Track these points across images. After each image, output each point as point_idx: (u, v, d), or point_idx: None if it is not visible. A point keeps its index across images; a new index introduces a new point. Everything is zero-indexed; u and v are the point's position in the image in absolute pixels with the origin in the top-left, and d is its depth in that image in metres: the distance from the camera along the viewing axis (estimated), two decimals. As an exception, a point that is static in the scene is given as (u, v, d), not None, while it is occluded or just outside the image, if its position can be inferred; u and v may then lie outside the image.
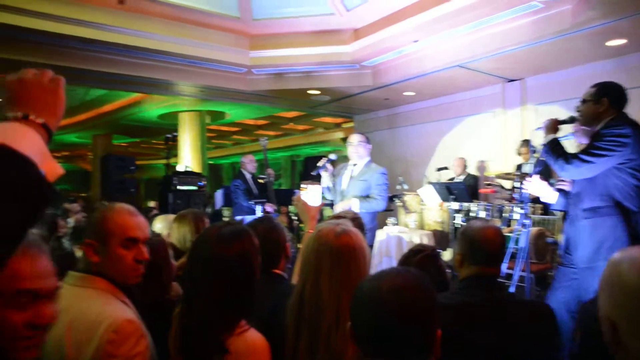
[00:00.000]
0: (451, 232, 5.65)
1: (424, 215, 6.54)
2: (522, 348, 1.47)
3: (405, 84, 7.03)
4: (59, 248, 2.86)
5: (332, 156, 4.05)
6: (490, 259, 1.60)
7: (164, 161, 5.99)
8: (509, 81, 6.90)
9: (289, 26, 6.36)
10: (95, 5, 5.42)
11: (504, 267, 2.55)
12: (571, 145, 3.04)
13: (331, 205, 4.16)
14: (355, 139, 4.02)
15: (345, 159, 4.17)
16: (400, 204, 6.31)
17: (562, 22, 4.66)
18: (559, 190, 2.80)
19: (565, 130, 2.80)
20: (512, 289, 2.93)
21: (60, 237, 2.87)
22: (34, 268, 0.89)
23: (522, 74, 6.61)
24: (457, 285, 1.65)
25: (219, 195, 8.25)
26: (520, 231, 3.00)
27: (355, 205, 3.73)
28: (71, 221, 5.29)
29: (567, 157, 2.53)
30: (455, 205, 5.43)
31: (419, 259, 1.94)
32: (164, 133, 5.66)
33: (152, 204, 8.78)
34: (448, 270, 2.05)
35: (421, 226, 6.42)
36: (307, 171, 8.56)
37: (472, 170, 7.08)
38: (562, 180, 2.82)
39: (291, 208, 8.08)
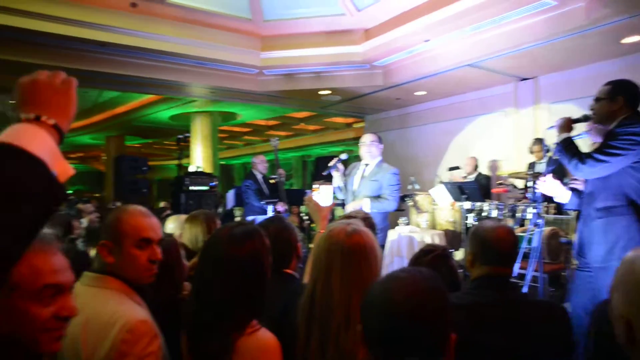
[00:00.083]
0: (463, 231, 5.62)
1: (435, 215, 6.52)
2: (535, 349, 1.46)
3: (416, 83, 7.01)
4: (73, 249, 2.89)
5: (343, 156, 4.05)
6: (502, 258, 1.59)
7: (175, 162, 6.03)
8: (521, 80, 6.84)
9: (299, 27, 6.38)
10: (107, 9, 5.48)
11: (516, 267, 2.53)
12: (585, 143, 3.01)
13: (342, 205, 4.16)
14: (367, 138, 4.02)
15: (356, 158, 4.16)
16: (412, 203, 6.29)
17: (575, 19, 4.61)
18: (572, 189, 2.77)
19: (578, 128, 2.76)
20: (524, 289, 2.90)
21: (74, 238, 2.91)
22: (53, 264, 0.93)
23: (535, 73, 6.54)
24: (468, 286, 1.64)
25: (230, 195, 8.28)
26: (533, 231, 2.97)
27: (366, 205, 3.73)
28: (84, 221, 5.35)
29: (582, 157, 2.50)
30: (467, 204, 5.40)
31: (430, 258, 1.93)
32: (176, 134, 5.70)
33: (163, 204, 8.84)
34: (460, 270, 2.04)
35: (433, 226, 6.40)
36: (318, 171, 8.57)
37: (484, 169, 7.03)
38: (575, 179, 2.78)
39: (302, 208, 8.10)
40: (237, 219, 7.18)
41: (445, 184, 5.82)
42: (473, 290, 1.59)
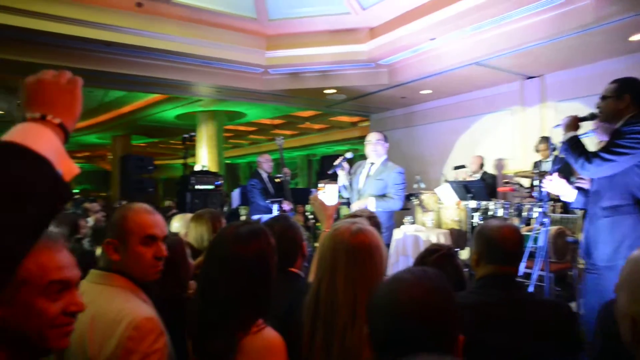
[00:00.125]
0: (469, 230, 5.60)
1: (441, 214, 6.50)
2: (540, 348, 1.45)
3: (421, 82, 6.99)
4: (79, 249, 2.91)
5: (349, 155, 4.05)
6: (507, 257, 1.58)
7: (181, 161, 6.06)
8: (527, 78, 6.81)
9: (304, 26, 6.38)
10: (113, 8, 5.51)
11: (522, 267, 2.52)
12: (591, 142, 2.99)
13: (348, 204, 4.16)
14: (373, 137, 4.02)
15: (361, 157, 4.16)
16: (417, 202, 6.28)
17: (583, 17, 4.58)
18: (578, 188, 2.75)
19: (585, 127, 2.75)
20: (530, 289, 2.89)
21: (81, 238, 2.93)
22: (59, 260, 0.94)
23: (541, 71, 6.51)
24: (473, 285, 1.64)
25: (235, 194, 8.30)
26: (539, 230, 2.95)
27: (371, 204, 3.73)
28: (90, 220, 5.38)
29: (588, 156, 2.48)
30: (472, 203, 5.38)
31: (435, 258, 1.92)
32: (182, 133, 5.73)
33: (168, 203, 8.88)
34: (465, 270, 2.04)
35: (438, 225, 6.38)
36: (324, 170, 8.57)
37: (490, 168, 7.01)
38: (581, 178, 2.76)
39: (308, 207, 8.10)
40: (242, 218, 7.19)
41: (451, 182, 5.81)
42: (478, 290, 1.58)
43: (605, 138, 2.58)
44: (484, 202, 5.31)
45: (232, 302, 1.31)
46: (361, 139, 4.30)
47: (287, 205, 5.37)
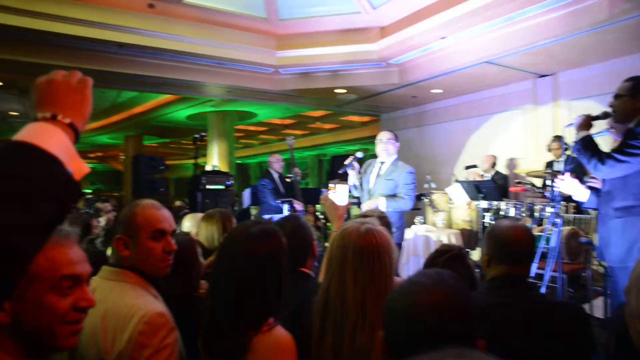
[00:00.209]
0: (480, 231, 5.56)
1: (452, 214, 6.46)
2: (552, 350, 1.44)
3: (432, 81, 6.95)
4: (92, 249, 2.94)
5: (359, 154, 4.04)
6: (518, 258, 1.57)
7: (192, 161, 6.10)
8: (540, 76, 6.74)
9: (315, 25, 6.38)
10: (126, 10, 5.57)
11: (533, 267, 2.49)
12: (605, 141, 2.95)
13: (358, 204, 4.16)
14: (384, 135, 4.00)
15: (372, 157, 4.15)
16: (428, 202, 6.25)
17: (597, 14, 4.51)
18: (591, 187, 2.72)
19: (599, 126, 2.71)
20: (542, 290, 2.86)
21: (94, 238, 2.96)
22: (70, 255, 0.95)
23: (554, 69, 6.43)
24: (484, 286, 1.62)
25: (246, 194, 8.34)
26: (551, 230, 2.92)
27: (382, 204, 3.72)
28: (102, 220, 5.44)
29: (602, 157, 2.44)
30: (484, 203, 5.34)
31: (445, 259, 1.91)
32: (193, 133, 5.76)
33: (178, 203, 8.94)
34: (476, 270, 2.02)
35: (449, 225, 6.35)
36: (334, 170, 8.56)
37: (502, 168, 6.95)
38: (593, 178, 2.73)
39: (318, 207, 8.11)
40: (252, 217, 7.22)
41: (462, 182, 5.77)
42: (489, 291, 1.57)
43: (620, 138, 2.54)
44: (495, 202, 5.27)
45: (243, 302, 1.31)
46: (372, 138, 4.28)
47: (298, 205, 5.37)
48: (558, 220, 2.86)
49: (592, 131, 2.62)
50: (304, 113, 11.93)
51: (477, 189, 5.44)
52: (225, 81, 7.13)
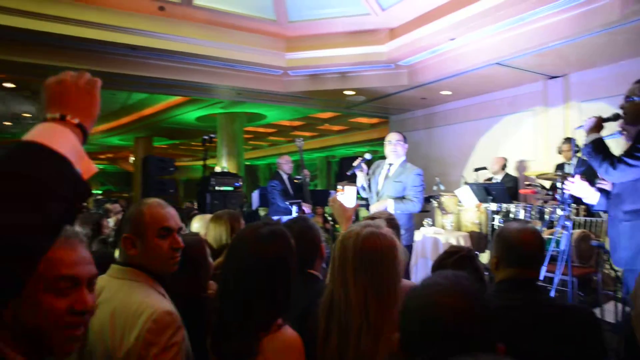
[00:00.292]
0: (489, 233, 5.52)
1: (461, 217, 6.43)
2: (561, 354, 1.42)
3: (441, 83, 6.92)
4: (103, 249, 2.96)
5: (367, 156, 4.04)
6: (527, 261, 1.56)
7: (201, 162, 6.13)
8: (550, 78, 6.68)
9: (324, 27, 6.39)
10: (137, 13, 5.62)
11: (543, 270, 2.47)
12: (617, 143, 2.91)
13: (367, 206, 4.15)
14: (393, 137, 3.99)
15: (380, 159, 4.14)
16: (437, 204, 6.22)
17: (608, 15, 4.47)
18: (600, 190, 2.70)
19: (610, 128, 2.68)
20: (552, 293, 2.84)
21: (104, 239, 2.98)
22: (73, 256, 0.94)
23: (565, 70, 6.38)
24: (493, 288, 1.61)
25: (255, 195, 8.36)
26: (561, 233, 2.90)
27: (390, 206, 3.71)
28: (111, 221, 5.48)
29: (613, 161, 2.41)
30: (493, 206, 5.31)
31: (454, 260, 1.90)
32: (202, 135, 5.79)
33: (187, 204, 9.00)
34: (485, 273, 2.01)
35: (458, 227, 6.31)
36: (343, 171, 8.55)
37: (512, 170, 6.90)
38: (602, 180, 2.70)
39: (326, 209, 8.11)
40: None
41: (470, 184, 5.74)
42: (497, 293, 1.56)
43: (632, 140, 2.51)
44: (504, 205, 5.23)
45: (252, 303, 1.32)
46: (380, 140, 4.28)
47: (306, 207, 5.38)
48: (568, 223, 2.83)
49: (603, 133, 2.60)
50: (313, 115, 11.94)
51: (486, 191, 5.41)
52: (234, 83, 7.15)
